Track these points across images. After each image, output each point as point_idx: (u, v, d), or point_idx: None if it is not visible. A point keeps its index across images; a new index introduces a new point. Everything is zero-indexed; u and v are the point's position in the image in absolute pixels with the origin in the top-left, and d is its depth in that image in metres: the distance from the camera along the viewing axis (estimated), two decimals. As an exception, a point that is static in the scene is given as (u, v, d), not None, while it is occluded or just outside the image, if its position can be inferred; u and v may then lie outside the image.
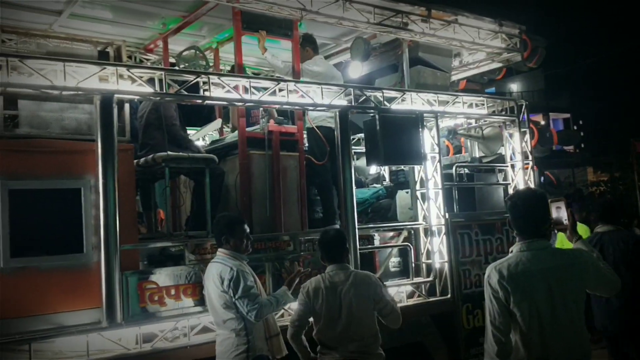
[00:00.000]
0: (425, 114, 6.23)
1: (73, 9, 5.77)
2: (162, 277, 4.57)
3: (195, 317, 4.61)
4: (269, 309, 4.10)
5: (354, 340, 4.02)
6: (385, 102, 5.98)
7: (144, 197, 6.31)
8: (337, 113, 5.65)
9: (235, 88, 5.10)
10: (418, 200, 6.33)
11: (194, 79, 4.89)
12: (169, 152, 5.32)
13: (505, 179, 7.41)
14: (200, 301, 4.58)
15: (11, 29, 5.81)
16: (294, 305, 4.99)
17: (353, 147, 6.30)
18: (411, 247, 6.15)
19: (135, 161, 5.22)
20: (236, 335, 3.99)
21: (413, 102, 6.21)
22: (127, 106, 5.14)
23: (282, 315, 5.09)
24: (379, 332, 4.17)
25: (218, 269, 4.06)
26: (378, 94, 5.98)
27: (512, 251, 3.23)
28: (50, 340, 4.10)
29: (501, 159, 7.53)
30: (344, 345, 4.04)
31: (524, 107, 7.26)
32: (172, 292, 4.59)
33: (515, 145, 7.26)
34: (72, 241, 4.36)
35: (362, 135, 6.58)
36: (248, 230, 4.34)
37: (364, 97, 5.85)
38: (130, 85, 4.58)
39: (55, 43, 5.64)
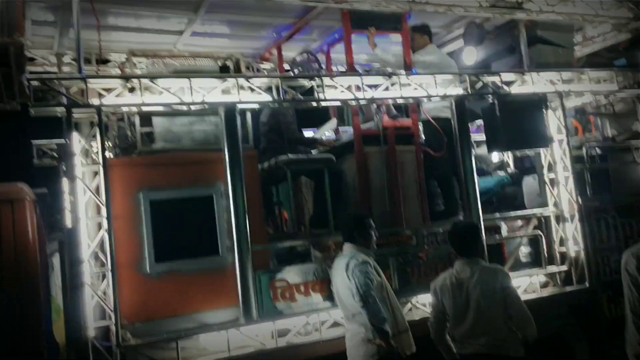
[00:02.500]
0: (548, 95, 5.93)
1: (193, 27, 6.16)
2: (292, 274, 4.76)
3: (325, 312, 4.74)
4: (375, 306, 3.97)
5: (483, 335, 3.92)
6: (504, 86, 5.76)
7: (268, 200, 6.60)
8: (453, 102, 5.54)
9: (348, 87, 5.17)
10: (547, 186, 6.04)
11: (309, 82, 5.03)
12: (290, 155, 5.52)
13: (642, 157, 6.85)
14: (329, 297, 4.70)
15: (141, 52, 6.32)
16: (422, 299, 5.01)
17: (472, 135, 6.13)
18: (542, 235, 5.89)
19: (259, 166, 5.47)
20: (366, 330, 4.05)
21: (534, 83, 5.93)
22: (248, 114, 5.40)
23: (410, 310, 5.10)
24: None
25: (346, 262, 4.15)
26: (495, 79, 5.78)
27: None
28: (195, 337, 4.43)
29: (636, 135, 6.96)
30: (474, 340, 3.96)
31: (659, 78, 6.66)
32: (302, 288, 4.76)
33: (652, 120, 6.69)
34: (209, 244, 4.68)
35: (481, 122, 6.39)
36: (374, 225, 4.40)
37: (481, 83, 5.68)
38: (250, 94, 4.82)
39: (180, 61, 6.06)
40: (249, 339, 4.53)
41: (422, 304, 5.09)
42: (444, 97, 5.54)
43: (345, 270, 4.15)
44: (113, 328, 4.16)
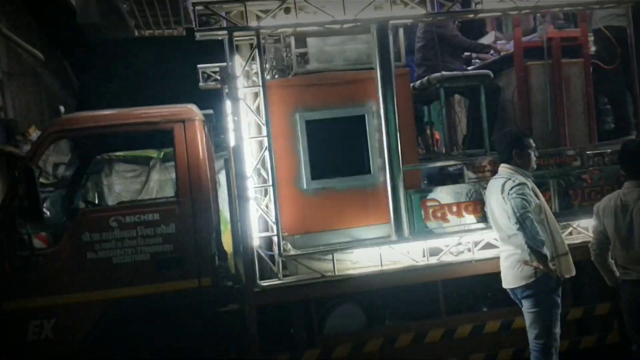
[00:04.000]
0: None
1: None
2: (443, 194, 4.72)
3: (479, 233, 4.69)
4: (532, 228, 3.81)
5: None
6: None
7: (420, 119, 6.50)
8: (630, 8, 4.93)
9: (508, -5, 4.80)
10: None
11: (464, -7, 4.75)
12: (443, 72, 5.34)
13: None
14: (482, 218, 4.62)
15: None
16: (584, 224, 4.75)
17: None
18: None
19: (411, 84, 5.38)
20: (522, 252, 3.95)
21: None
22: (400, 31, 5.27)
23: (570, 234, 4.87)
24: None
25: (502, 183, 4.03)
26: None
27: None
28: (349, 251, 4.64)
29: None
30: (638, 266, 3.74)
31: None
32: (454, 209, 4.71)
33: None
34: (361, 163, 4.78)
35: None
36: (533, 145, 4.19)
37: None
38: (403, 9, 4.68)
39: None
40: (400, 255, 4.65)
41: (584, 228, 4.83)
42: (619, 2, 4.94)
43: (500, 192, 4.02)
44: (275, 239, 4.47)
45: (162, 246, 4.62)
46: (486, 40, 6.49)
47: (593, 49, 5.71)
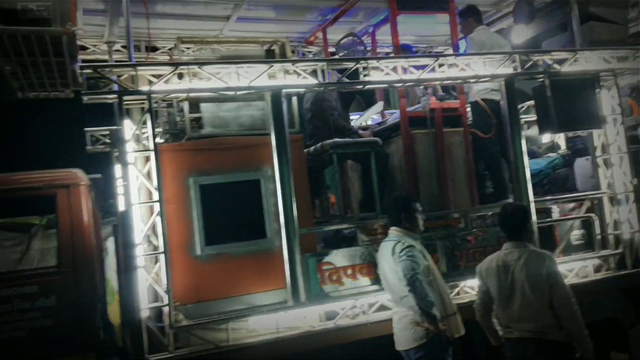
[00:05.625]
0: (601, 73, 5.73)
1: (239, 12, 6.21)
2: (339, 257, 4.78)
3: (372, 295, 4.76)
4: (422, 290, 3.97)
5: (528, 320, 3.82)
6: (555, 65, 5.59)
7: (315, 184, 6.62)
8: (503, 82, 5.41)
9: (394, 69, 5.12)
10: (600, 167, 5.85)
11: (354, 65, 5.01)
12: (336, 139, 5.51)
13: None
14: (376, 280, 4.71)
15: (188, 38, 6.40)
16: (471, 283, 4.96)
17: (522, 116, 5.99)
18: (595, 218, 5.72)
19: (305, 150, 5.49)
20: (414, 313, 4.04)
21: (587, 61, 5.73)
22: (294, 99, 5.42)
23: (457, 294, 5.06)
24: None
25: (392, 246, 4.15)
26: (546, 57, 5.61)
27: None
28: (245, 319, 4.51)
29: (698, 114, 6.67)
30: (519, 324, 3.88)
31: None
32: (349, 271, 4.78)
33: None
34: (257, 228, 4.75)
35: (531, 102, 6.23)
36: (421, 208, 4.38)
37: (531, 62, 5.53)
38: (296, 79, 4.83)
39: (227, 47, 6.12)
40: (297, 320, 4.60)
41: (470, 288, 5.05)
42: (493, 77, 5.42)
43: (391, 254, 4.15)
44: (166, 309, 4.28)
45: (42, 321, 4.28)
46: (375, 109, 6.82)
47: (471, 119, 6.15)
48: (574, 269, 5.53)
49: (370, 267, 4.79)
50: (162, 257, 4.29)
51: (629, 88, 7.30)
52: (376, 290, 4.73)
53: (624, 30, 6.62)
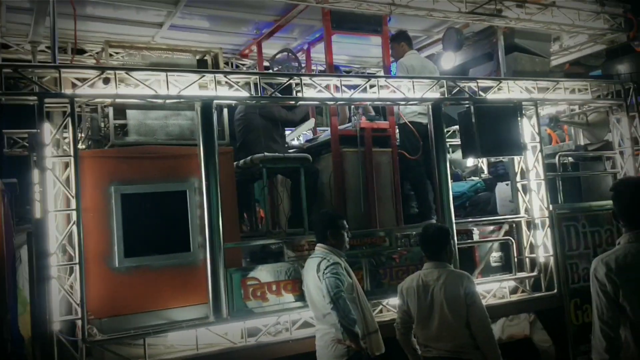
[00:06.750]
0: (523, 102, 6.01)
1: (173, 20, 6.10)
2: (264, 273, 4.73)
3: (296, 312, 4.73)
4: (345, 307, 3.97)
5: (446, 340, 3.90)
6: (480, 92, 5.82)
7: (243, 197, 6.55)
8: (430, 106, 5.57)
9: (327, 87, 5.17)
10: (519, 193, 6.10)
11: (287, 81, 5.02)
12: (266, 154, 5.49)
13: (613, 167, 6.97)
14: (300, 297, 4.69)
15: (117, 43, 6.23)
16: (393, 301, 5.02)
17: (448, 140, 6.18)
18: (513, 241, 5.95)
19: (234, 163, 5.43)
20: (336, 331, 4.05)
21: (510, 90, 5.99)
22: (225, 111, 5.35)
23: (380, 312, 5.11)
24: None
25: (317, 263, 4.15)
26: (472, 84, 5.83)
27: (619, 243, 3.06)
28: (163, 335, 4.37)
29: (608, 146, 7.10)
30: (437, 344, 3.95)
31: (631, 89, 6.78)
32: (274, 287, 4.73)
33: (624, 131, 6.80)
34: (180, 241, 4.62)
35: (457, 127, 6.44)
36: (347, 226, 4.40)
37: (458, 88, 5.73)
38: (227, 90, 4.78)
39: (157, 54, 5.99)
40: (218, 337, 4.50)
41: (392, 306, 5.11)
42: (422, 100, 5.57)
43: (316, 271, 4.14)
44: (79, 323, 4.08)
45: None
46: (307, 125, 6.85)
47: (399, 140, 6.28)
48: (492, 289, 5.72)
49: (295, 283, 4.76)
50: (77, 267, 4.10)
51: (548, 118, 7.70)
52: (300, 307, 4.71)
53: (546, 62, 6.99)
